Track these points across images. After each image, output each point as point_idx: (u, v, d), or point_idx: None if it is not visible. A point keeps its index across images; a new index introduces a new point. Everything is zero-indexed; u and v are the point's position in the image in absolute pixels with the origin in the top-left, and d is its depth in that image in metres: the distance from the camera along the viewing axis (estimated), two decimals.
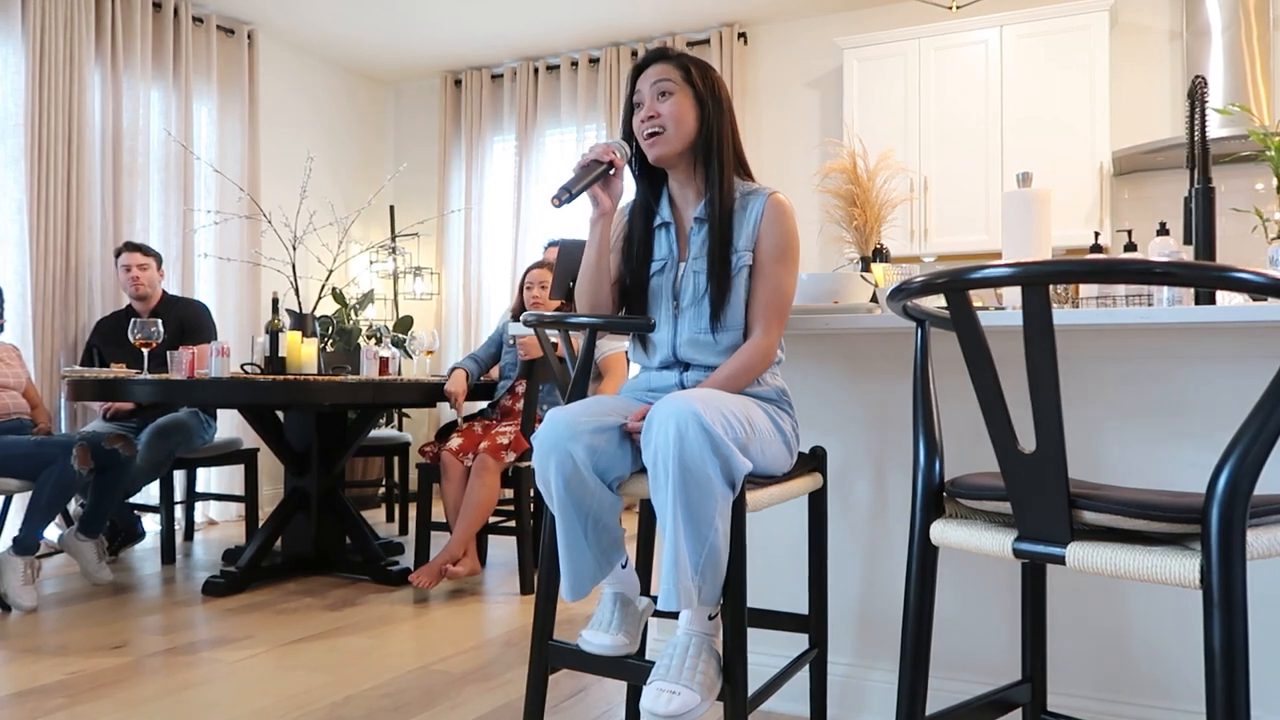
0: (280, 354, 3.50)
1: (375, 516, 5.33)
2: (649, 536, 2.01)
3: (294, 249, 4.23)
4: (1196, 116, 1.99)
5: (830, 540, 2.18)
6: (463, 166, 6.10)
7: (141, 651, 2.69)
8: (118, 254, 4.14)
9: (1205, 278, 1.06)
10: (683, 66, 1.83)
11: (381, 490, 5.61)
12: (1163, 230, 2.47)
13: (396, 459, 5.01)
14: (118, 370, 3.63)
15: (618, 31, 5.51)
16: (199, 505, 4.93)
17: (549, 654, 1.73)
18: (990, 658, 2.03)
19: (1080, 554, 1.18)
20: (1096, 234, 3.08)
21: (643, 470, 1.64)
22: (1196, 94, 2.01)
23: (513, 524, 3.62)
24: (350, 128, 6.23)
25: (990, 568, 2.03)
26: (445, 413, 6.01)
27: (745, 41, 5.40)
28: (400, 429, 5.77)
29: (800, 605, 2.17)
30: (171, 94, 4.97)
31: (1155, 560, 1.12)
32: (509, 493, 3.51)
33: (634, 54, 5.61)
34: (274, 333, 3.52)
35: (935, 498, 1.39)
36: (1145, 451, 1.90)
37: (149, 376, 3.33)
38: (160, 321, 3.54)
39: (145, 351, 3.50)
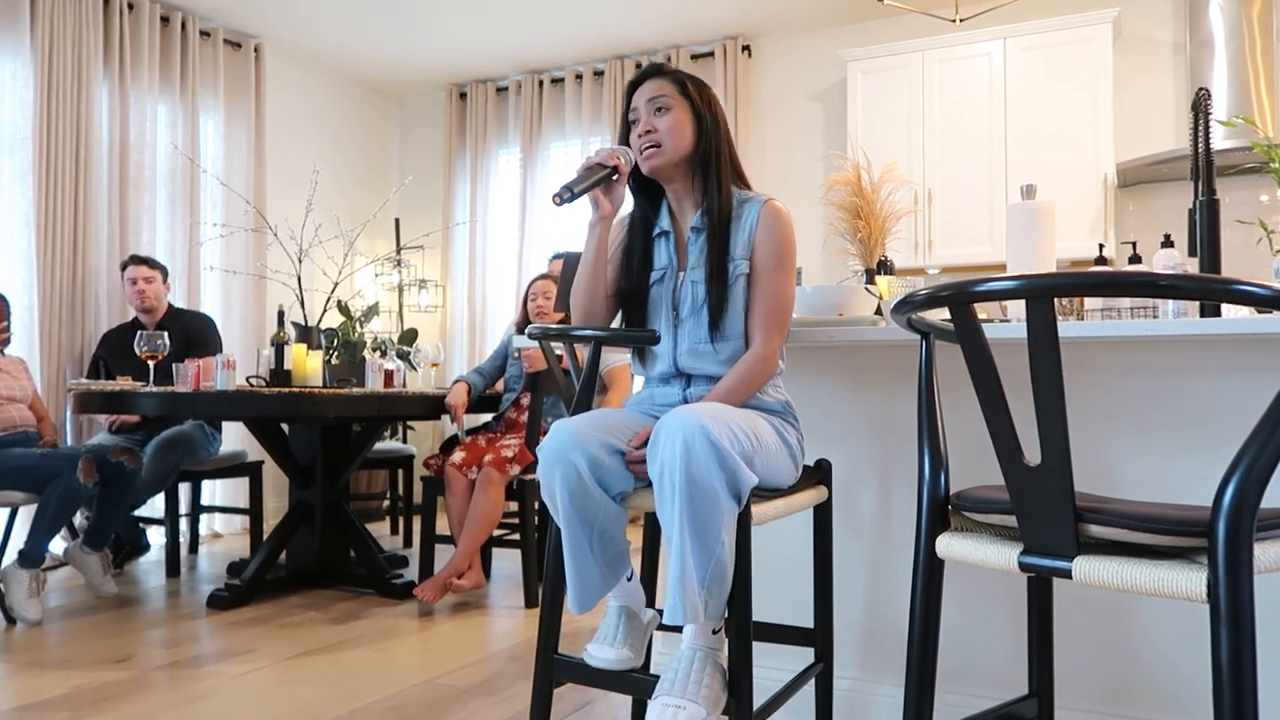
0: (285, 367, 3.51)
1: (380, 529, 5.33)
2: (654, 549, 2.00)
3: (299, 262, 4.25)
4: (1200, 129, 1.99)
5: (835, 553, 2.17)
6: (468, 179, 6.12)
7: (146, 665, 2.69)
8: (124, 267, 4.16)
9: (1210, 291, 1.06)
10: (678, 81, 1.85)
11: (386, 503, 5.61)
12: (1167, 242, 2.46)
13: (401, 472, 5.01)
14: (123, 383, 3.64)
15: (622, 44, 5.53)
16: (204, 518, 4.93)
17: (554, 668, 1.72)
18: (997, 671, 2.02)
19: (1087, 568, 1.17)
20: (1101, 246, 3.08)
21: (647, 484, 1.63)
22: (1200, 106, 2.01)
23: (517, 537, 3.62)
24: (356, 141, 6.26)
25: (996, 581, 2.02)
26: (449, 426, 6.01)
27: (749, 54, 5.42)
28: (405, 442, 5.77)
29: (806, 619, 2.16)
30: (178, 107, 5.00)
31: (1162, 574, 1.12)
32: (514, 506, 3.51)
33: (638, 66, 5.61)
34: (279, 345, 3.53)
35: (940, 511, 1.38)
36: (1151, 464, 1.89)
37: (154, 389, 3.33)
38: (166, 334, 3.56)
39: (151, 364, 3.51)
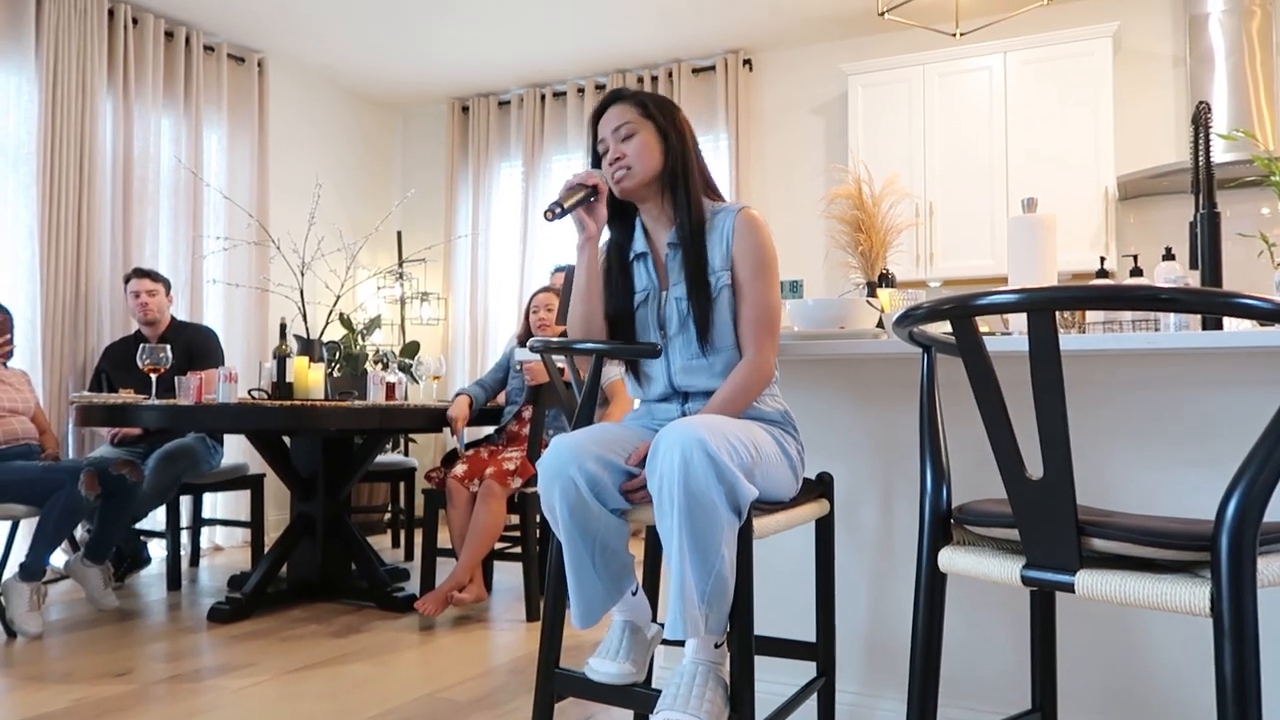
0: (287, 379, 3.51)
1: (381, 542, 5.32)
2: (655, 563, 2.00)
3: (302, 275, 4.26)
4: (1200, 142, 1.99)
5: (838, 567, 2.17)
6: (470, 192, 6.14)
7: (146, 679, 2.68)
8: (127, 280, 4.17)
9: (1212, 305, 1.06)
10: (640, 104, 1.87)
11: (387, 516, 5.60)
12: (1168, 255, 2.47)
13: (402, 484, 5.00)
14: (126, 395, 3.65)
15: (623, 59, 5.55)
16: (205, 531, 4.92)
17: (555, 682, 1.72)
18: (1000, 686, 2.01)
19: (1089, 582, 1.17)
20: (1102, 259, 3.08)
21: (647, 498, 1.63)
22: (1200, 119, 2.02)
23: (519, 550, 3.61)
24: (358, 154, 6.28)
25: (999, 595, 2.02)
26: (451, 438, 6.01)
27: (750, 68, 5.44)
28: (406, 454, 5.76)
29: (808, 633, 2.15)
30: (182, 121, 5.02)
31: (1165, 588, 1.11)
32: (515, 519, 3.50)
33: (639, 81, 5.65)
34: (281, 358, 3.54)
35: (943, 524, 1.38)
36: (1153, 477, 1.89)
37: (157, 402, 3.34)
38: (169, 347, 3.56)
39: (153, 377, 3.52)
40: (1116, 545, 1.17)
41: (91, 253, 4.52)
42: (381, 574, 3.67)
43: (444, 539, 4.76)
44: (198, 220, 5.03)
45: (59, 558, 4.00)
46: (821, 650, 1.90)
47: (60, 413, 4.36)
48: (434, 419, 3.63)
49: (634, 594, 1.76)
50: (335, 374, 5.45)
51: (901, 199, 2.93)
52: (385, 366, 5.55)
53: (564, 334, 3.47)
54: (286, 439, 3.79)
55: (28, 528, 3.49)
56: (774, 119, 5.41)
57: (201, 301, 5.05)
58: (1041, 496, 1.19)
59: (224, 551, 5.02)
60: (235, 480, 4.22)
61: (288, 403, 3.32)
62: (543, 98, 5.94)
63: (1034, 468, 1.20)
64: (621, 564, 1.69)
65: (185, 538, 4.50)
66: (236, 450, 4.83)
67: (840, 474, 2.16)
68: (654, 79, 5.61)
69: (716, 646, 1.61)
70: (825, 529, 1.89)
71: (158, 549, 4.57)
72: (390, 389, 3.84)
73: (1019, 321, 2.08)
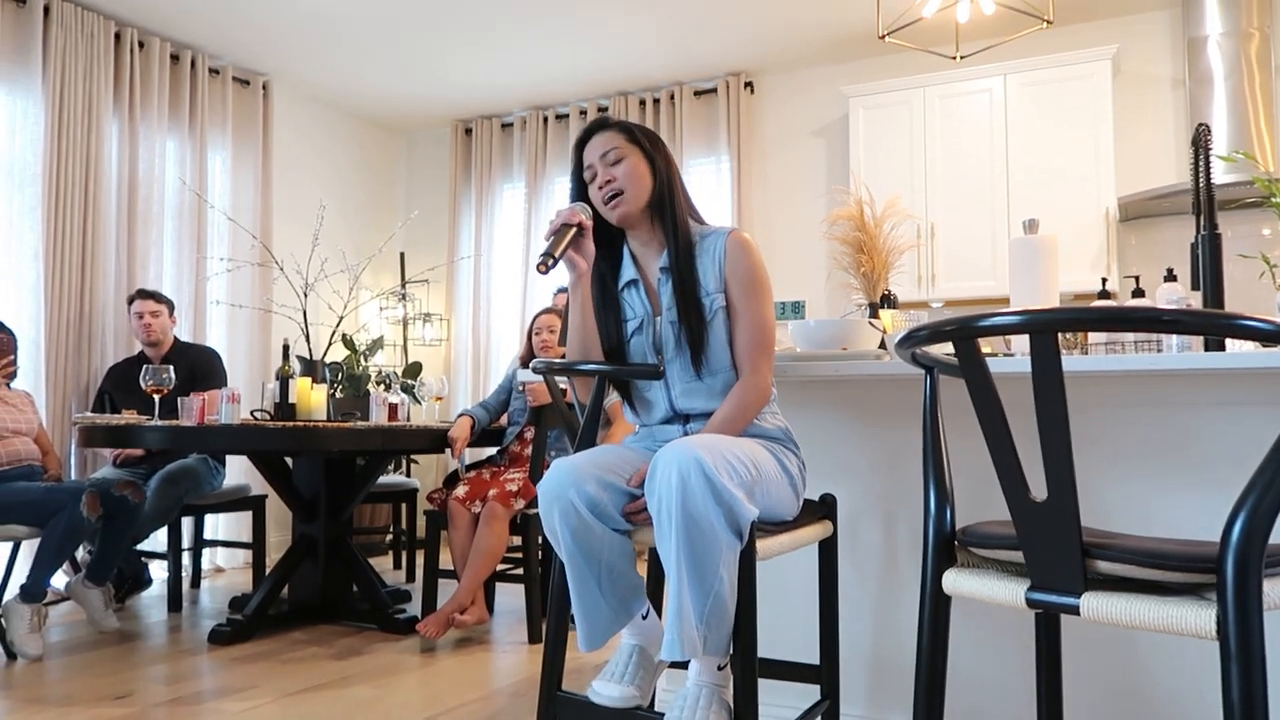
0: (290, 400, 3.52)
1: (383, 564, 5.30)
2: (657, 585, 1.99)
3: (305, 296, 4.27)
4: (1201, 163, 2.00)
5: (841, 589, 2.16)
6: (473, 214, 6.16)
7: (146, 701, 2.67)
8: (130, 301, 4.19)
9: (1214, 325, 1.06)
10: (625, 130, 1.88)
11: (389, 537, 5.58)
12: (1170, 276, 2.47)
13: (404, 506, 4.99)
14: (129, 416, 3.65)
15: (625, 81, 5.59)
16: (206, 552, 4.90)
17: (557, 705, 1.70)
18: (1005, 708, 1.99)
19: (1095, 604, 1.16)
20: (1104, 280, 3.08)
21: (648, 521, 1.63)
22: (1200, 141, 2.03)
23: (521, 572, 3.60)
24: (362, 176, 6.31)
25: (1004, 617, 2.01)
26: (452, 460, 6.00)
27: (752, 91, 5.47)
28: (408, 475, 5.75)
29: (811, 655, 2.14)
30: (187, 143, 5.05)
31: (1171, 611, 1.11)
32: (517, 540, 3.49)
33: (641, 103, 5.68)
34: (284, 379, 3.54)
35: (947, 546, 1.38)
36: (1156, 499, 1.88)
37: (159, 423, 3.34)
38: (172, 368, 3.57)
39: (156, 398, 3.52)
40: (1121, 567, 1.16)
41: (96, 274, 4.53)
42: (383, 596, 3.66)
43: (446, 560, 4.74)
44: (202, 242, 5.05)
45: (60, 579, 3.99)
46: (825, 673, 1.88)
47: (63, 433, 4.36)
48: (436, 440, 3.63)
49: (644, 617, 1.74)
50: (338, 395, 5.46)
51: (903, 220, 2.95)
52: (388, 387, 5.57)
53: (566, 355, 3.47)
54: (289, 460, 3.79)
55: (29, 549, 3.48)
56: (775, 141, 5.44)
57: (205, 322, 5.06)
58: (1045, 518, 1.19)
59: (225, 573, 5.00)
60: (237, 501, 4.21)
61: (290, 424, 3.32)
62: (545, 120, 5.97)
63: (1038, 489, 1.20)
64: (629, 586, 1.68)
65: (187, 559, 4.49)
66: (238, 471, 4.82)
67: (843, 495, 2.16)
68: (656, 101, 5.64)
69: (720, 669, 1.60)
70: (829, 551, 1.89)
71: (159, 570, 4.56)
72: (393, 410, 3.84)
73: (1021, 343, 2.08)
